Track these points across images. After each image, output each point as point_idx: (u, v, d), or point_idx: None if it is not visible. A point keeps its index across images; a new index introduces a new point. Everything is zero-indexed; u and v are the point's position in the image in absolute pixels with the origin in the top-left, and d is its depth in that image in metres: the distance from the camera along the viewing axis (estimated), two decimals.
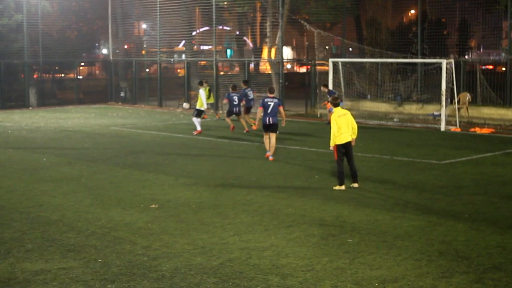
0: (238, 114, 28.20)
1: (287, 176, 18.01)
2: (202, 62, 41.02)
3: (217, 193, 15.71)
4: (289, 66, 62.49)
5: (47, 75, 47.21)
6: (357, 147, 20.48)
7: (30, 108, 41.32)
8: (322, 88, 32.12)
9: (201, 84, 28.95)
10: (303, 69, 62.66)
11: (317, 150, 22.69)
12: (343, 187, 16.05)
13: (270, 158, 20.70)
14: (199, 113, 27.61)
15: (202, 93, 27.80)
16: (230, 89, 28.74)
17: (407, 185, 16.65)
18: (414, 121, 31.80)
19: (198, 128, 27.39)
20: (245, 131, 27.79)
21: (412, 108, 33.86)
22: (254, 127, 26.76)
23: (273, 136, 20.69)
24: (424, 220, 13.03)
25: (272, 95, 20.76)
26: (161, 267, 10.16)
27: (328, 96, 28.07)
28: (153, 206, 14.35)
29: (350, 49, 43.38)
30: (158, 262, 10.39)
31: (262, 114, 20.44)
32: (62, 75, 50.54)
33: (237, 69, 47.91)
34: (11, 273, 9.92)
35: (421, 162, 20.26)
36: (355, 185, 16.27)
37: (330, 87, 32.11)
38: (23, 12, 40.74)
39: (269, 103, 20.40)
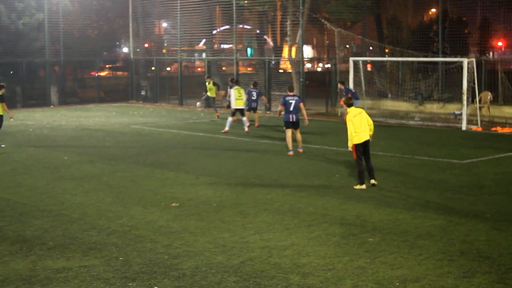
0: (255, 109, 29.17)
1: (307, 175, 17.99)
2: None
3: (238, 191, 15.73)
4: (309, 65, 62.32)
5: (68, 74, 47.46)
6: (378, 146, 20.47)
7: (52, 106, 41.53)
8: (338, 85, 32.08)
9: (236, 82, 29.43)
10: (320, 68, 62.62)
11: (337, 149, 22.64)
12: (363, 186, 16.00)
13: (300, 150, 21.44)
14: (233, 113, 27.65)
15: (232, 93, 27.79)
16: (251, 85, 29.39)
17: (428, 185, 16.57)
18: (435, 120, 31.64)
19: (226, 128, 27.36)
20: (255, 125, 29.25)
21: (433, 107, 33.71)
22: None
23: (297, 131, 21.41)
24: (445, 219, 12.97)
25: (292, 93, 21.31)
26: (182, 266, 10.18)
27: (344, 94, 27.98)
28: (174, 204, 14.38)
29: (371, 47, 43.26)
30: (179, 261, 10.42)
31: (283, 113, 20.92)
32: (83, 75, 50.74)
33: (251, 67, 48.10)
34: (33, 271, 9.99)
35: (442, 162, 20.16)
36: (373, 181, 16.20)
37: (351, 86, 32.05)
38: (44, 11, 40.93)
39: (290, 101, 20.92)
